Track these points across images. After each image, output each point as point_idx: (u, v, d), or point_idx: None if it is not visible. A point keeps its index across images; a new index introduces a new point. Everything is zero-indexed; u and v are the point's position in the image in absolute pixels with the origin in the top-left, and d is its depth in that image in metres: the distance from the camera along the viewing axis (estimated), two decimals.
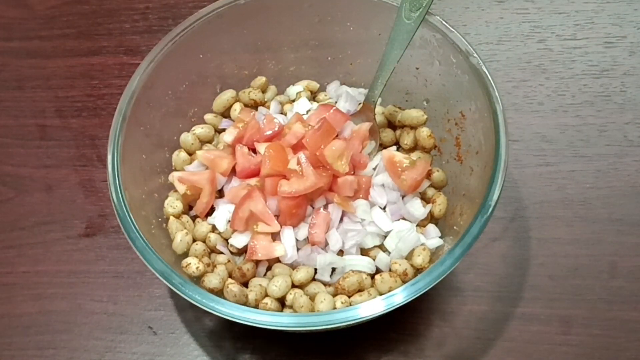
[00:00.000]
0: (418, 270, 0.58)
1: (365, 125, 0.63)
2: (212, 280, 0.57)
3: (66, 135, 0.78)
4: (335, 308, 0.56)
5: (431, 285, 0.51)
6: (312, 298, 0.57)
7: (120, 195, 0.56)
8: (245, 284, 0.59)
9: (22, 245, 0.72)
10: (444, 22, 0.60)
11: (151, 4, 0.85)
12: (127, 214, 0.56)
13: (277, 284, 0.57)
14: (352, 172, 0.62)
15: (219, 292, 0.57)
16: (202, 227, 0.62)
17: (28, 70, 0.83)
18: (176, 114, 0.66)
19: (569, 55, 0.77)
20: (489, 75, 0.58)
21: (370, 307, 0.50)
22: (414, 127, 0.66)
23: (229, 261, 0.60)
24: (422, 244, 0.59)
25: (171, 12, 0.84)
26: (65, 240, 0.71)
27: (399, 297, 0.51)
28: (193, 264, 0.58)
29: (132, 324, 0.66)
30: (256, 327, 0.51)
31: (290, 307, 0.57)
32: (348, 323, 0.51)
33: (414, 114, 0.66)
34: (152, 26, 0.84)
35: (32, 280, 0.70)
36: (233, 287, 0.56)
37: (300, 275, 0.58)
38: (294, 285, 0.58)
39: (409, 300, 0.50)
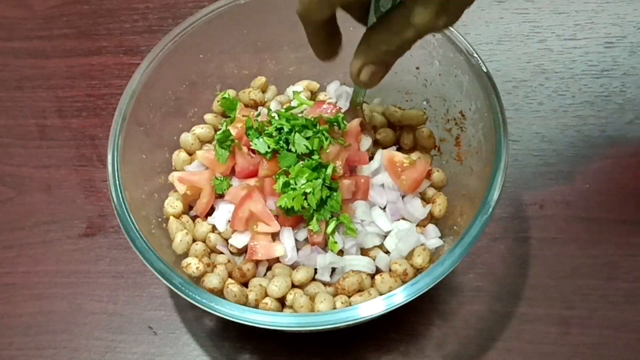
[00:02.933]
0: (418, 270, 0.58)
1: (355, 122, 0.63)
2: (212, 280, 0.57)
3: (66, 135, 0.78)
4: (335, 308, 0.56)
5: (431, 285, 0.51)
6: (312, 298, 0.57)
7: (120, 195, 0.56)
8: (245, 284, 0.59)
9: (22, 245, 0.72)
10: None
11: (151, 4, 0.85)
12: (127, 214, 0.56)
13: (277, 284, 0.57)
14: (349, 173, 0.61)
15: (219, 292, 0.57)
16: (202, 227, 0.62)
17: (28, 70, 0.83)
18: (176, 114, 0.66)
19: (569, 55, 0.77)
20: (489, 75, 0.58)
21: (370, 307, 0.50)
22: (414, 127, 0.66)
23: (229, 261, 0.60)
24: (422, 244, 0.59)
25: (171, 12, 0.84)
26: (65, 240, 0.71)
27: (399, 297, 0.51)
28: (193, 264, 0.58)
29: (132, 324, 0.66)
30: (256, 327, 0.51)
31: (291, 307, 0.57)
32: (348, 323, 0.51)
33: (413, 114, 0.66)
34: (152, 26, 0.84)
35: (32, 280, 0.70)
36: (233, 287, 0.56)
37: (300, 275, 0.58)
38: (294, 285, 0.58)
39: (409, 300, 0.50)
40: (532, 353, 0.62)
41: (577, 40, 0.78)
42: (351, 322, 0.51)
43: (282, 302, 0.58)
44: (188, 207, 0.64)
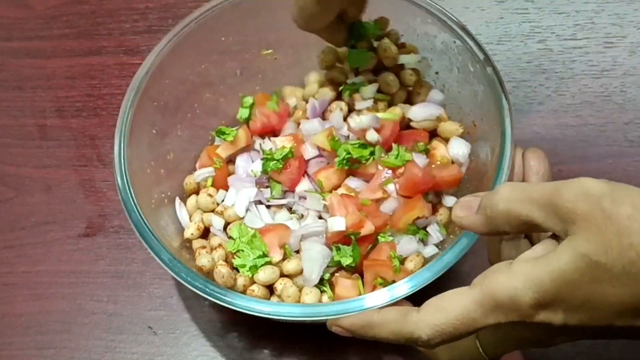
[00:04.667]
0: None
1: None
2: (202, 259, 0.57)
3: (66, 135, 0.78)
4: (320, 301, 0.56)
5: (437, 276, 0.50)
6: (300, 289, 0.57)
7: (124, 169, 0.57)
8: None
9: (22, 245, 0.72)
10: (465, 29, 0.60)
11: (151, 4, 0.85)
12: (128, 187, 0.56)
13: (265, 271, 0.57)
14: None
15: (209, 273, 0.57)
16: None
17: (28, 70, 0.82)
18: (192, 94, 0.66)
19: (569, 55, 0.77)
20: (503, 89, 0.57)
21: (375, 298, 0.50)
22: (446, 139, 0.64)
23: (220, 245, 0.60)
24: (417, 252, 0.59)
25: (171, 12, 0.84)
26: (65, 240, 0.71)
27: (404, 288, 0.50)
28: (192, 228, 0.60)
29: (132, 324, 0.66)
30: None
31: (279, 296, 0.57)
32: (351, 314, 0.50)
33: (451, 127, 0.63)
34: (152, 26, 0.83)
35: (32, 280, 0.70)
36: (222, 268, 0.56)
37: (291, 265, 0.58)
38: (283, 275, 0.58)
39: (415, 291, 0.50)
40: (532, 353, 0.62)
41: (577, 40, 0.78)
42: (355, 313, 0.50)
43: (271, 290, 0.58)
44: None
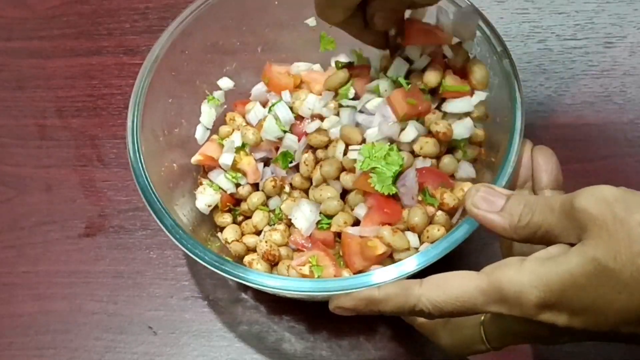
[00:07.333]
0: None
1: None
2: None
3: (66, 135, 0.78)
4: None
5: (445, 253, 0.49)
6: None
7: (135, 134, 0.57)
8: None
9: (22, 245, 0.72)
10: (486, 20, 0.59)
11: (151, 4, 0.85)
12: (138, 153, 0.56)
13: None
14: None
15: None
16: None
17: (28, 70, 0.83)
18: (212, 66, 0.67)
19: (569, 55, 0.77)
20: (517, 80, 0.56)
21: (383, 274, 0.49)
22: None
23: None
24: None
25: (171, 12, 0.84)
26: (65, 240, 0.71)
27: (411, 264, 0.49)
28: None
29: (132, 324, 0.66)
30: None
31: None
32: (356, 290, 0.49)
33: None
34: (152, 26, 0.83)
35: (32, 280, 0.70)
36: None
37: None
38: None
39: (422, 267, 0.49)
40: (533, 353, 0.62)
41: (577, 40, 0.78)
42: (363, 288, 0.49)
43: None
44: None
